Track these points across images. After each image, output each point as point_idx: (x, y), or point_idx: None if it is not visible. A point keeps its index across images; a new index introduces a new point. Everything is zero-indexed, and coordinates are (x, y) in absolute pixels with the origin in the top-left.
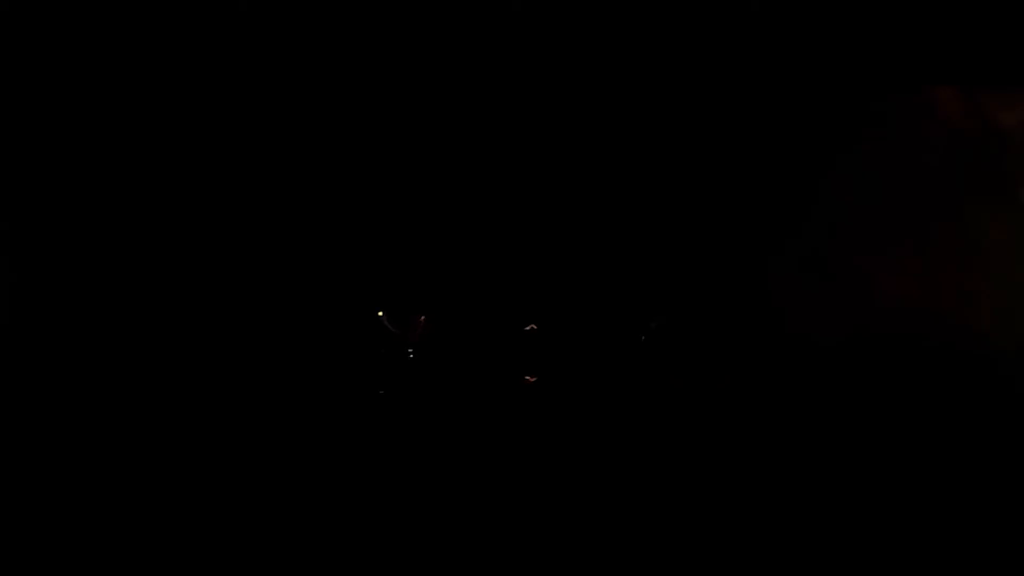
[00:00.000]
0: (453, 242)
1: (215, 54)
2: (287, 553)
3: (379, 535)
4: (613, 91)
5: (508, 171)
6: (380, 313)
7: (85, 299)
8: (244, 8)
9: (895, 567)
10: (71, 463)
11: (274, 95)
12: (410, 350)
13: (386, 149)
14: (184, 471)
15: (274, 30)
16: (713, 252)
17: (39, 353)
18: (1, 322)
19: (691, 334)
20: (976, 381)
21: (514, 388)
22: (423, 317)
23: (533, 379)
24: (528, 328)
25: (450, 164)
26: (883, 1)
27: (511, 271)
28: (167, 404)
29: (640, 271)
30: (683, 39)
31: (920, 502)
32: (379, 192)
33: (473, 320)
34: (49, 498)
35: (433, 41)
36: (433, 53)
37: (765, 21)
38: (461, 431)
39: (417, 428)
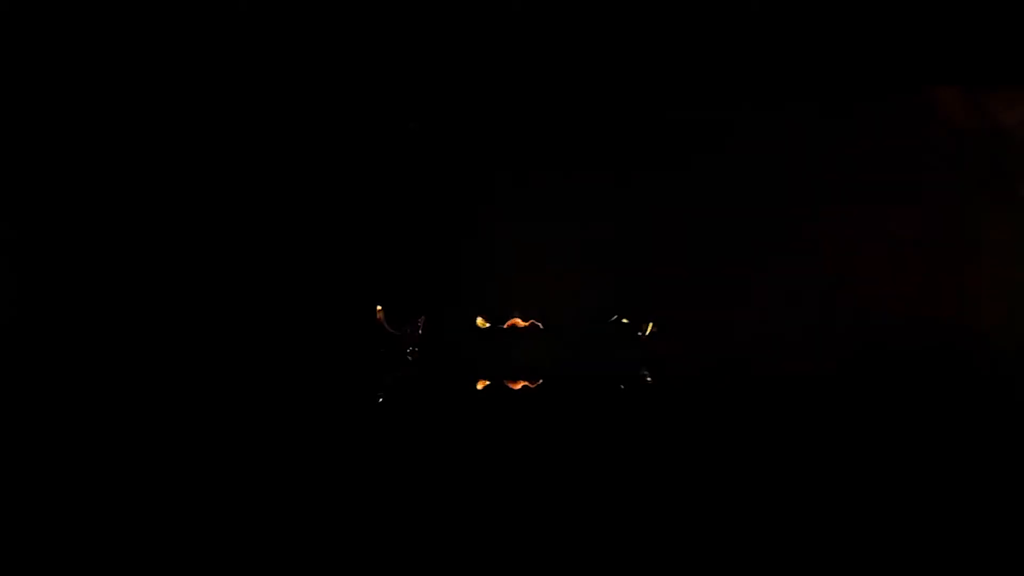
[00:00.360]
0: (452, 242)
1: (215, 54)
2: (287, 551)
3: (379, 534)
4: (614, 92)
5: (508, 170)
6: (379, 308)
7: (85, 300)
8: (244, 8)
9: (896, 566)
10: (71, 460)
11: (274, 96)
12: (409, 349)
13: (386, 149)
14: (183, 470)
15: (274, 30)
16: (712, 253)
17: (40, 352)
18: (2, 322)
19: (690, 334)
20: (976, 381)
21: (512, 388)
22: (423, 317)
23: (526, 382)
24: (530, 323)
25: (450, 164)
26: (883, 1)
27: (511, 270)
28: (166, 404)
29: (640, 271)
30: (684, 39)
31: (921, 500)
32: (379, 193)
33: (472, 320)
34: (49, 495)
35: (434, 41)
36: (434, 53)
37: (765, 21)
38: (460, 430)
39: (415, 428)
